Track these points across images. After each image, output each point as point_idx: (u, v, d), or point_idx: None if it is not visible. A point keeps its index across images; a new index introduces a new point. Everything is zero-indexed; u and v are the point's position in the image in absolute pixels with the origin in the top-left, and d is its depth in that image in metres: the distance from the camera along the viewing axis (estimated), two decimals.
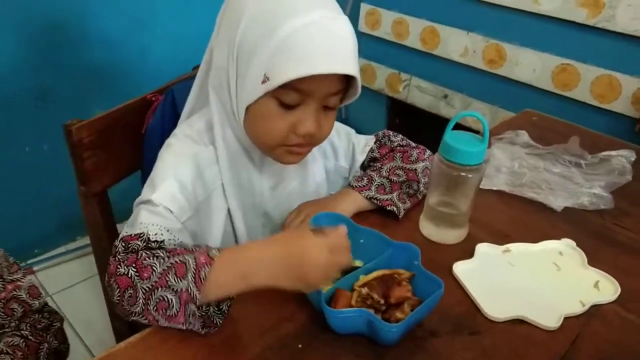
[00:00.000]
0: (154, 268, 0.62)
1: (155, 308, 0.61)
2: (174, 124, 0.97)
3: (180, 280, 0.60)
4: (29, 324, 0.72)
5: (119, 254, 0.65)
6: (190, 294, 0.60)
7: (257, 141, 0.77)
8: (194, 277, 0.60)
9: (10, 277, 0.72)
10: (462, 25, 1.82)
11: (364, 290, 0.64)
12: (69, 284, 1.81)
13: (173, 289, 0.60)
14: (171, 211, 0.72)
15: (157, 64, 1.82)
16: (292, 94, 0.69)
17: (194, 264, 0.61)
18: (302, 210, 0.85)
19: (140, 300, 0.61)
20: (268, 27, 0.66)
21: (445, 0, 1.85)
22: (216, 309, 0.63)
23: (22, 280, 0.73)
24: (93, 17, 1.65)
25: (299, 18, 0.66)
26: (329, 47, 0.67)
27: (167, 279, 0.61)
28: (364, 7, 2.10)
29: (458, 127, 0.79)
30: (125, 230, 0.70)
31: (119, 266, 0.63)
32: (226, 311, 0.63)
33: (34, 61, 1.60)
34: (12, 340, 0.67)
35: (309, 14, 0.66)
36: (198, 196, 0.77)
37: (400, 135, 0.99)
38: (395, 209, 0.87)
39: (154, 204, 0.72)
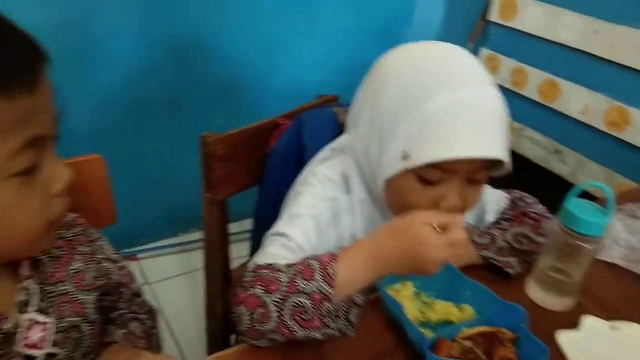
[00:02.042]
0: (280, 279, 0.64)
1: (290, 317, 0.62)
2: (297, 151, 1.04)
3: (309, 282, 0.62)
4: (137, 304, 0.79)
5: (247, 282, 0.66)
6: (322, 292, 0.61)
7: (396, 213, 0.75)
8: (322, 276, 0.62)
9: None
10: (584, 82, 1.77)
11: (468, 343, 0.65)
12: (165, 276, 1.95)
13: (304, 292, 0.62)
14: (304, 250, 0.74)
15: (279, 86, 1.92)
16: (434, 171, 0.68)
17: (319, 263, 0.63)
18: None
19: (274, 314, 0.62)
20: (412, 102, 0.66)
21: (569, 55, 1.80)
22: (345, 320, 0.64)
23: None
24: (226, 37, 1.79)
25: (445, 95, 0.65)
26: (475, 128, 0.65)
27: (296, 284, 0.62)
28: (484, 52, 2.10)
29: (568, 189, 0.76)
30: (256, 258, 0.74)
31: (245, 291, 0.65)
32: (357, 315, 0.65)
33: (169, 73, 1.76)
34: (125, 332, 0.72)
35: (456, 90, 0.65)
36: (329, 241, 0.79)
37: (536, 199, 0.95)
38: (511, 271, 0.84)
39: (289, 238, 0.75)
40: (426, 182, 0.70)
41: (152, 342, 0.77)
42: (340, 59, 1.97)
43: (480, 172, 0.71)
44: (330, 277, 0.62)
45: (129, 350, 0.65)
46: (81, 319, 0.64)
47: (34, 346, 0.59)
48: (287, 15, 1.83)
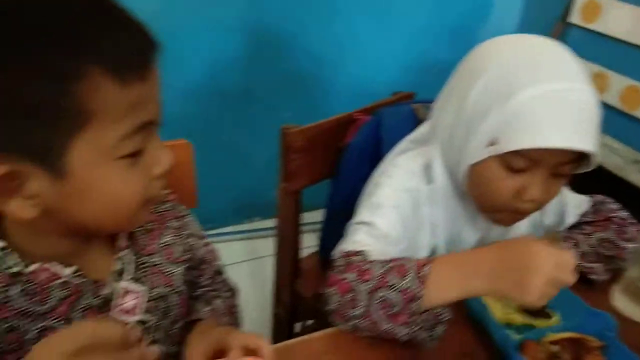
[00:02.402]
0: (373, 271, 0.66)
1: (377, 308, 0.64)
2: (374, 146, 1.04)
3: (402, 279, 0.63)
4: (219, 282, 0.81)
5: (338, 268, 0.70)
6: (413, 291, 0.62)
7: (478, 201, 0.77)
8: (416, 277, 0.63)
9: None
10: None
11: (555, 348, 0.64)
12: (232, 261, 2.00)
13: (395, 288, 0.63)
14: (389, 238, 0.76)
15: (349, 82, 1.93)
16: (520, 159, 0.68)
17: (414, 264, 0.64)
18: None
19: (362, 302, 0.65)
20: (505, 92, 0.66)
21: None
22: (429, 333, 0.65)
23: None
24: (304, 32, 1.82)
25: (538, 86, 0.65)
26: (566, 119, 0.65)
27: (388, 279, 0.64)
28: None
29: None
30: (342, 246, 0.76)
31: (339, 275, 0.68)
32: (445, 320, 0.65)
33: (247, 65, 1.81)
34: (210, 309, 0.75)
35: (550, 83, 0.65)
36: (410, 231, 0.80)
37: (618, 204, 0.92)
38: (595, 277, 0.82)
39: (374, 227, 0.76)
40: (511, 170, 0.70)
41: (235, 319, 0.80)
42: (413, 57, 1.96)
43: (566, 165, 0.70)
44: (423, 278, 0.63)
45: (218, 327, 0.68)
46: (170, 289, 0.68)
47: (127, 313, 0.63)
48: (361, 12, 1.84)
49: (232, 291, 0.84)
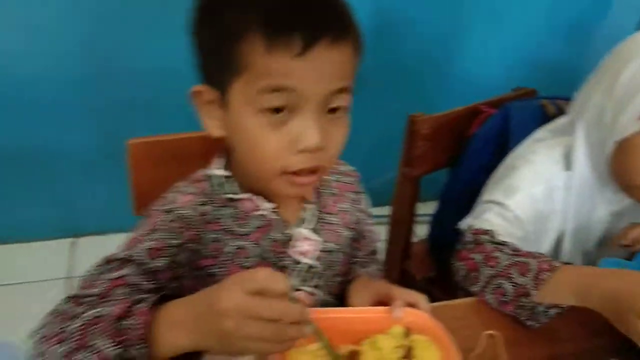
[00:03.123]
0: (499, 260, 0.74)
1: (491, 292, 0.73)
2: (500, 137, 1.09)
3: (521, 277, 0.72)
4: (373, 261, 0.89)
5: (468, 244, 0.79)
6: (527, 289, 0.70)
7: (622, 176, 0.82)
8: (534, 278, 0.71)
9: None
10: None
11: None
12: None
13: (513, 281, 0.72)
14: (520, 222, 0.83)
15: (463, 77, 1.95)
16: None
17: (536, 266, 0.71)
18: (628, 232, 0.85)
19: (481, 283, 0.75)
20: None
21: None
22: (545, 309, 0.71)
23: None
24: (419, 26, 1.85)
25: None
26: None
27: (510, 272, 0.73)
28: None
29: None
30: (472, 222, 0.83)
31: (468, 252, 0.78)
32: (552, 315, 0.71)
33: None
34: (365, 270, 0.84)
35: None
36: (541, 215, 0.86)
37: None
38: None
39: (507, 208, 0.83)
40: None
41: None
42: (528, 53, 1.95)
43: None
44: (540, 282, 0.70)
45: (379, 281, 0.77)
46: (338, 247, 0.77)
47: (302, 254, 0.74)
48: (478, 8, 1.85)
49: (379, 272, 0.92)
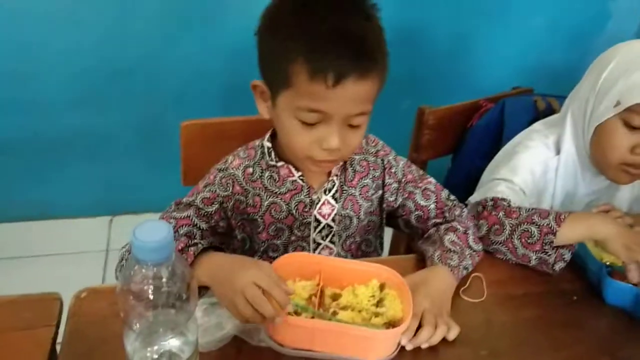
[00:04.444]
0: (521, 212, 0.90)
1: (518, 237, 0.88)
2: (497, 129, 1.27)
3: (543, 219, 0.88)
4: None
5: (488, 206, 0.94)
6: (551, 228, 0.86)
7: (598, 159, 0.99)
8: (556, 219, 0.87)
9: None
10: None
11: None
12: None
13: (537, 224, 0.87)
14: (525, 193, 1.00)
15: (467, 77, 2.10)
16: (636, 117, 0.90)
17: (555, 212, 0.88)
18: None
19: (506, 231, 0.89)
20: (630, 69, 0.90)
21: None
22: (562, 254, 0.86)
23: None
24: (429, 29, 2.01)
25: None
26: None
27: (533, 218, 0.88)
28: None
29: None
30: (487, 194, 0.98)
31: (489, 213, 0.93)
32: (567, 260, 0.87)
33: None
34: (449, 239, 0.89)
35: None
36: (538, 192, 1.04)
37: None
38: None
39: (513, 183, 1.00)
40: (630, 127, 0.91)
41: None
42: (531, 57, 2.09)
43: None
44: (561, 219, 0.87)
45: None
46: (354, 214, 0.94)
47: (322, 215, 0.92)
48: (483, 13, 2.00)
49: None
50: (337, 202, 0.92)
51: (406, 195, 0.95)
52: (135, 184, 2.06)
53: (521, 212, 0.91)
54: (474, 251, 0.89)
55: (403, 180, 0.96)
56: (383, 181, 0.95)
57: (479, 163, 1.19)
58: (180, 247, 0.73)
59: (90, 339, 0.69)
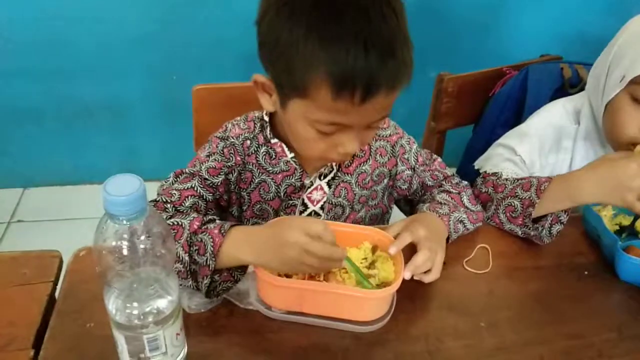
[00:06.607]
0: (506, 185, 0.88)
1: (503, 211, 0.85)
2: (519, 95, 1.21)
3: (525, 192, 0.84)
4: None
5: (479, 184, 0.94)
6: (531, 200, 0.82)
7: (610, 135, 0.94)
8: (536, 190, 0.82)
9: None
10: None
11: None
12: None
13: (519, 197, 0.84)
14: (525, 164, 0.97)
15: (498, 46, 2.02)
16: None
17: (537, 181, 0.83)
18: None
19: (492, 207, 0.87)
20: (638, 41, 0.86)
21: None
22: (549, 226, 0.82)
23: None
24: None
25: None
26: None
27: (516, 191, 0.85)
28: None
29: None
30: (483, 163, 0.98)
31: (479, 190, 0.92)
32: (555, 233, 0.83)
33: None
34: (441, 197, 0.87)
35: None
36: (548, 163, 1.00)
37: None
38: None
39: (515, 152, 0.97)
40: (636, 101, 0.86)
41: None
42: (564, 26, 2.00)
43: None
44: (541, 191, 0.82)
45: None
46: (347, 203, 0.89)
47: (311, 201, 0.87)
48: None
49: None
50: (330, 189, 0.87)
51: (418, 179, 0.93)
52: (158, 151, 2.10)
53: (507, 185, 0.88)
54: (470, 210, 0.86)
55: (416, 166, 0.92)
56: (394, 169, 0.91)
57: (500, 132, 1.14)
58: (195, 227, 0.68)
59: (84, 296, 0.70)
